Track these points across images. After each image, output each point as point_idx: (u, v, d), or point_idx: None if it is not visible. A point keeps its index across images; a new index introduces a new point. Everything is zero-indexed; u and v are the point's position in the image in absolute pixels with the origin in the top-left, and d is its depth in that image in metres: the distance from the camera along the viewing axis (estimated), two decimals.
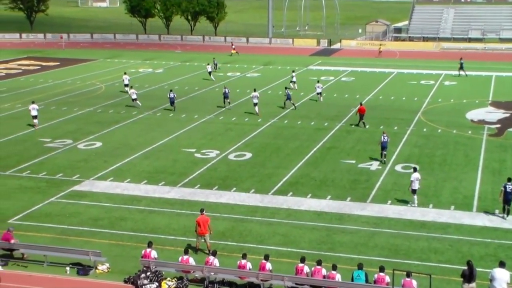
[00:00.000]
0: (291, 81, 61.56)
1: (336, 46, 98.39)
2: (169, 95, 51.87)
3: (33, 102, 47.00)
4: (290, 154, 39.57)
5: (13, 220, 29.08)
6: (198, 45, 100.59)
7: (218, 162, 37.92)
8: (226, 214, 29.82)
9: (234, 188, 33.28)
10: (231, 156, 39.06)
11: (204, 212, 26.03)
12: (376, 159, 37.92)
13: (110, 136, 43.96)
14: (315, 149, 40.61)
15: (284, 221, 28.96)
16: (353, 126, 46.09)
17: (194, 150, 40.32)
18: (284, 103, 52.26)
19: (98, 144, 41.89)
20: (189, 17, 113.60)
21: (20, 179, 34.88)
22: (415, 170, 31.34)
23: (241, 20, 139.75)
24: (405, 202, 31.01)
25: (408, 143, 41.95)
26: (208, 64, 68.21)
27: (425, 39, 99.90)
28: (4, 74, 70.93)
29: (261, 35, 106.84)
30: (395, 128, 45.42)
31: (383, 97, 57.46)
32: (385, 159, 37.77)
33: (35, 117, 46.07)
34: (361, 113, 45.91)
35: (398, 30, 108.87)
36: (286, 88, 53.79)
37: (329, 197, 31.98)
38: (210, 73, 66.99)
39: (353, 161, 37.83)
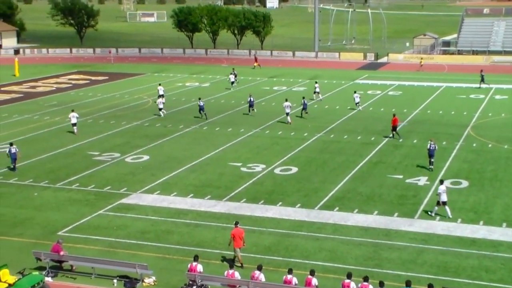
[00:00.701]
0: (314, 92, 62.79)
1: (383, 60, 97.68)
2: (199, 103, 54.03)
3: (72, 111, 49.73)
4: (336, 168, 39.37)
5: (62, 232, 29.61)
6: (244, 59, 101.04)
7: (264, 176, 37.96)
8: (272, 228, 29.79)
9: (280, 203, 33.24)
10: (277, 170, 39.05)
11: (238, 225, 26.17)
12: (425, 168, 37.54)
13: (157, 149, 44.44)
14: (361, 163, 40.32)
15: (330, 236, 28.78)
16: (401, 140, 45.67)
17: (240, 164, 40.44)
18: (301, 113, 53.95)
19: (146, 157, 42.38)
20: (236, 31, 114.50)
21: (70, 191, 35.51)
22: (441, 182, 31.47)
23: (288, 34, 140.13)
24: (453, 218, 30.48)
25: (457, 158, 41.31)
26: (231, 74, 71.78)
27: (475, 53, 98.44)
28: (55, 88, 72.45)
29: (307, 49, 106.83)
30: (444, 143, 44.76)
31: (431, 111, 56.78)
32: (432, 167, 38.26)
33: (74, 124, 48.69)
34: (394, 124, 46.14)
35: (447, 43, 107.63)
36: (303, 97, 55.56)
37: (376, 212, 31.69)
38: (232, 83, 70.55)
39: (401, 176, 37.43)
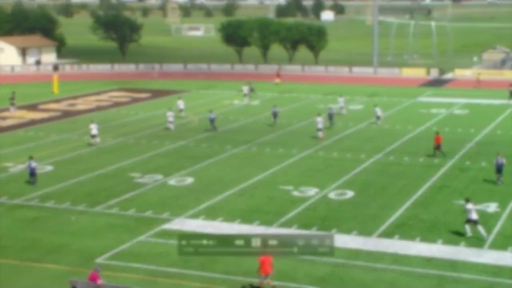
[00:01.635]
0: (340, 107, 64.72)
1: (449, 75, 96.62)
2: (209, 116, 56.92)
3: (92, 121, 52.89)
4: (397, 193, 38.94)
5: (100, 259, 29.89)
6: (297, 75, 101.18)
7: (317, 201, 37.78)
8: (325, 258, 29.50)
9: (335, 230, 32.98)
10: (331, 195, 38.83)
11: None
12: (495, 194, 36.91)
13: (203, 171, 44.68)
14: (424, 188, 39.80)
15: (390, 267, 28.41)
16: (468, 163, 44.95)
17: (291, 187, 40.34)
18: (329, 123, 57.57)
19: (190, 179, 42.64)
20: (288, 46, 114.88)
21: (109, 216, 35.91)
22: (467, 201, 31.85)
23: (344, 48, 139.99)
24: None
25: None
26: (245, 86, 75.25)
27: None
28: (95, 106, 73.62)
29: (365, 64, 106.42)
30: None
31: (502, 131, 55.82)
32: (500, 183, 39.40)
33: (94, 136, 51.58)
34: (437, 143, 46.71)
35: None
36: (329, 107, 58.93)
37: (440, 241, 31.19)
38: (245, 95, 74.32)
39: None
